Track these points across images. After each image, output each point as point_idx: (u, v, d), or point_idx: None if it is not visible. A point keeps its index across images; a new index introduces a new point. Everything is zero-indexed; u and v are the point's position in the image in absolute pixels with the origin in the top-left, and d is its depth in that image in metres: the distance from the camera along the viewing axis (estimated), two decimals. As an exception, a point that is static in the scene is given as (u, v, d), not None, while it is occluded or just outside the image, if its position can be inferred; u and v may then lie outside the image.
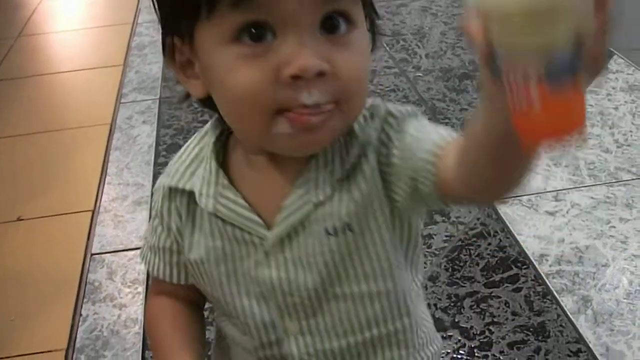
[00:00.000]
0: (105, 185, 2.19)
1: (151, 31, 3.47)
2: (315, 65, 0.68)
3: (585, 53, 0.50)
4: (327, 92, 0.70)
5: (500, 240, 1.85)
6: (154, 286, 0.97)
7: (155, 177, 2.20)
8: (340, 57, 0.71)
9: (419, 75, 2.82)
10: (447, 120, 2.45)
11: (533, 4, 0.48)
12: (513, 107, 0.53)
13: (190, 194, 0.84)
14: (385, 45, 3.12)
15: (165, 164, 2.18)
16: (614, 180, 2.07)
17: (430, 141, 0.74)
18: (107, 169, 2.28)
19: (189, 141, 0.88)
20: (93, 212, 2.05)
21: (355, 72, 0.73)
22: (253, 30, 0.69)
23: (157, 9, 0.80)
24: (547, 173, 2.12)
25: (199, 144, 0.86)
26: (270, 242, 0.81)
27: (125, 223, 2.00)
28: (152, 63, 3.10)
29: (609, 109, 2.49)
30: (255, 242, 0.82)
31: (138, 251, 1.78)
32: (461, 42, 3.10)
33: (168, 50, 0.79)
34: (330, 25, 0.71)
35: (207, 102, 0.79)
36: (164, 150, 2.37)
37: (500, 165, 0.64)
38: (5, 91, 2.99)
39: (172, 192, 0.86)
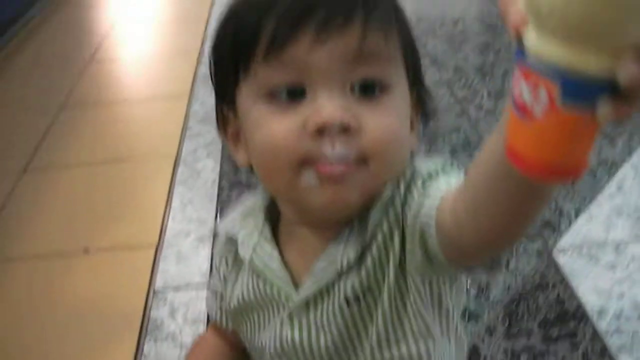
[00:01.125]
0: (169, 220, 2.24)
1: (217, 61, 3.55)
2: (338, 117, 0.71)
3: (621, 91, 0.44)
4: (352, 148, 0.73)
5: (559, 293, 1.85)
6: (210, 323, 1.03)
7: (217, 214, 2.25)
8: (369, 116, 0.74)
9: (481, 116, 2.83)
10: (508, 164, 2.45)
11: (595, 14, 0.41)
12: (514, 115, 0.48)
13: (236, 242, 0.88)
14: (447, 81, 3.14)
15: (228, 200, 2.25)
16: (677, 233, 2.05)
17: (438, 192, 0.72)
18: (171, 202, 2.34)
19: (252, 196, 0.92)
20: (157, 246, 2.11)
21: (384, 133, 0.75)
22: (289, 92, 0.73)
23: (213, 85, 0.85)
24: (608, 223, 2.10)
25: (256, 197, 0.90)
26: (296, 303, 0.84)
27: (188, 260, 2.05)
28: (217, 94, 3.16)
29: (670, 154, 2.46)
30: (282, 302, 0.85)
31: (201, 289, 1.84)
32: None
33: (220, 122, 0.84)
34: (362, 88, 0.74)
35: (253, 169, 0.84)
36: (227, 186, 2.42)
37: (497, 200, 0.60)
38: (74, 117, 3.10)
39: (227, 239, 0.91)
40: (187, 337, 1.75)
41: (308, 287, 0.82)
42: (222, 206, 2.30)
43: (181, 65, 3.55)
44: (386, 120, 0.75)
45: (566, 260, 1.96)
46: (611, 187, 2.29)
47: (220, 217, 2.24)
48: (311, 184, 0.74)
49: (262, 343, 0.89)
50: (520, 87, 0.47)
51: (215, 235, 2.13)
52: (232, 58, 0.77)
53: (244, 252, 0.86)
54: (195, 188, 2.42)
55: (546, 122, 0.46)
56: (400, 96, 0.78)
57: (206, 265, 2.01)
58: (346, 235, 0.80)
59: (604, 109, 0.45)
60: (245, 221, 0.89)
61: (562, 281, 1.89)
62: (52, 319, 1.88)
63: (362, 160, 0.74)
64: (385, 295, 0.80)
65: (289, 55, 0.72)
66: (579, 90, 0.45)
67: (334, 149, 0.72)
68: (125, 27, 4.31)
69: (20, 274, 2.09)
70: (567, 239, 2.04)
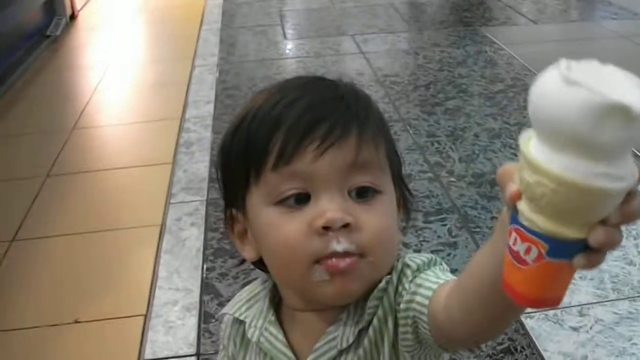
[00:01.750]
0: (157, 290, 2.34)
1: (198, 127, 3.67)
2: (340, 217, 0.83)
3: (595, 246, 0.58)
4: (353, 242, 0.85)
5: (527, 357, 1.96)
6: None
7: (202, 283, 2.35)
8: (364, 215, 0.86)
9: (452, 181, 2.96)
10: (478, 229, 2.58)
11: (580, 203, 0.56)
12: (512, 254, 0.61)
13: (242, 323, 0.99)
14: (420, 147, 3.28)
15: (213, 269, 2.35)
16: (636, 295, 2.17)
17: (429, 286, 0.85)
18: (157, 272, 2.43)
19: (255, 282, 1.04)
20: (145, 316, 2.20)
21: (377, 229, 0.87)
22: (295, 197, 0.84)
23: (221, 188, 0.97)
24: (572, 287, 2.22)
25: (261, 285, 1.02)
26: None
27: (176, 329, 2.14)
28: (199, 162, 3.28)
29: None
30: None
31: (188, 359, 1.92)
32: (492, 146, 3.25)
33: (228, 222, 0.95)
34: (357, 192, 0.87)
35: (259, 264, 0.96)
36: (211, 255, 2.52)
37: (486, 308, 0.73)
38: (58, 187, 3.18)
39: (233, 321, 1.02)
40: (177, 407, 1.85)
41: None
42: (207, 275, 2.40)
43: (163, 132, 3.67)
44: (380, 219, 0.88)
45: (534, 324, 2.08)
46: (575, 251, 2.42)
47: (204, 286, 2.34)
48: (323, 278, 0.85)
49: None
50: (515, 241, 0.61)
51: (202, 305, 2.23)
52: (243, 167, 0.87)
53: (252, 334, 0.98)
54: (181, 257, 2.52)
55: (535, 269, 0.60)
56: (389, 198, 0.91)
57: (193, 335, 2.11)
58: (344, 319, 0.92)
59: (580, 260, 0.60)
60: (251, 305, 1.01)
61: (530, 345, 2.00)
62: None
63: (362, 254, 0.86)
64: None
65: (295, 167, 0.84)
66: (561, 249, 0.59)
67: (339, 243, 0.84)
68: (107, 92, 4.41)
69: (12, 346, 2.16)
70: (534, 303, 2.17)
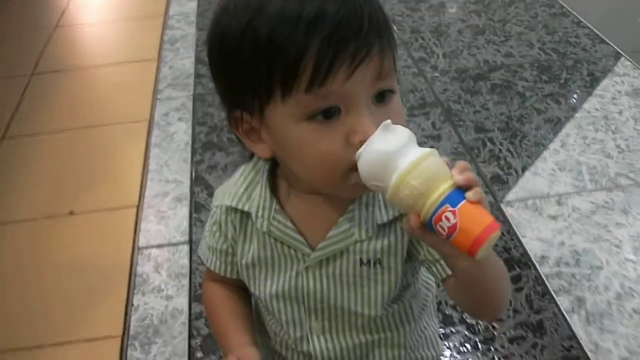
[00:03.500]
0: (148, 182, 2.40)
1: (182, 24, 3.66)
2: (373, 131, 0.88)
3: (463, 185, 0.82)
4: None
5: (506, 242, 2.05)
6: (208, 275, 1.21)
7: (192, 175, 2.41)
8: (391, 121, 0.92)
9: (436, 76, 3.00)
10: (460, 122, 2.64)
11: (426, 172, 0.82)
12: (449, 237, 0.82)
13: (243, 213, 1.06)
14: (404, 43, 3.30)
15: (201, 161, 2.41)
16: (613, 186, 2.25)
17: None
18: (148, 165, 2.48)
19: (242, 168, 1.10)
20: (138, 207, 2.26)
21: None
22: (325, 113, 0.89)
23: (217, 83, 1.00)
24: (552, 178, 2.31)
25: (252, 172, 1.08)
26: (312, 260, 1.04)
27: (168, 219, 2.21)
28: (185, 58, 3.29)
29: (613, 113, 2.66)
30: (299, 257, 1.05)
31: (180, 246, 2.01)
32: (476, 42, 3.27)
33: (232, 121, 1.00)
34: (379, 97, 0.92)
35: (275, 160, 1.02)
36: (200, 148, 2.57)
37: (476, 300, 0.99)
38: (44, 84, 3.19)
39: (230, 209, 1.08)
40: (172, 289, 1.93)
41: (324, 249, 1.03)
42: (196, 167, 2.46)
43: (147, 29, 3.65)
44: (401, 120, 0.94)
45: (514, 212, 2.16)
46: (555, 144, 2.49)
47: (194, 178, 2.40)
48: (358, 181, 0.90)
49: (272, 289, 1.08)
50: (442, 229, 0.82)
51: (192, 196, 2.30)
52: (265, 81, 0.89)
53: (261, 225, 1.05)
54: (170, 151, 2.57)
55: (460, 221, 0.81)
56: (398, 92, 0.96)
57: (185, 224, 2.18)
58: (356, 212, 1.02)
59: (468, 194, 0.82)
60: (249, 195, 1.07)
61: (509, 231, 2.09)
62: (40, 278, 2.04)
63: None
64: (397, 266, 1.04)
65: (328, 89, 0.87)
66: (453, 198, 0.81)
67: None
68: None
69: (8, 237, 2.23)
70: (514, 193, 2.25)
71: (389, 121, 0.86)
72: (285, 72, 0.87)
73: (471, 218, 0.81)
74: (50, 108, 2.96)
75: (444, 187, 0.82)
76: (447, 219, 0.81)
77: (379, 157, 0.85)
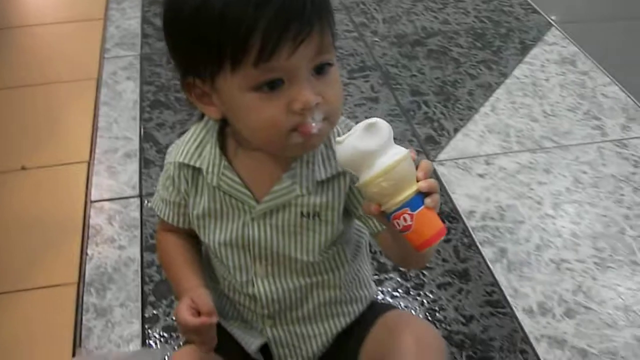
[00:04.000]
0: (98, 139, 2.48)
1: (128, -16, 3.71)
2: (313, 99, 1.03)
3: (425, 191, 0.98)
4: (322, 113, 1.05)
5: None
6: (162, 226, 1.36)
7: (141, 132, 2.51)
8: (328, 90, 1.06)
9: (376, 41, 3.13)
10: (398, 86, 2.78)
11: (396, 177, 0.96)
12: (402, 232, 0.98)
13: (195, 169, 1.20)
14: (346, 8, 3.41)
15: (150, 119, 2.51)
16: (537, 148, 2.43)
17: None
18: (97, 122, 2.57)
19: (194, 127, 1.24)
20: (89, 163, 2.35)
21: (338, 98, 1.09)
22: (270, 84, 1.01)
23: (172, 51, 1.11)
24: (481, 139, 2.47)
25: (202, 131, 1.22)
26: (258, 212, 1.17)
27: (118, 174, 2.31)
28: (131, 18, 3.35)
29: (541, 80, 2.82)
30: (245, 209, 1.20)
31: (132, 199, 2.11)
32: (415, 8, 3.41)
33: (185, 86, 1.11)
34: (318, 69, 1.04)
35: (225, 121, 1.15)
36: (148, 107, 2.66)
37: (404, 256, 1.19)
38: (-7, 41, 3.22)
39: (182, 165, 1.21)
40: (125, 239, 2.03)
41: (268, 202, 1.18)
42: (144, 125, 2.55)
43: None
44: (338, 89, 1.09)
45: (444, 170, 2.32)
46: (486, 107, 2.65)
47: (143, 135, 2.49)
48: (297, 141, 1.06)
49: (221, 238, 1.21)
50: (397, 224, 0.97)
51: (142, 152, 2.39)
52: (216, 54, 1.01)
53: (211, 180, 1.18)
54: (119, 109, 2.65)
55: (415, 224, 0.97)
56: (336, 64, 1.09)
57: (135, 179, 2.28)
58: (298, 169, 1.16)
59: (427, 200, 0.98)
60: (200, 152, 1.20)
61: (440, 189, 2.24)
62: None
63: (326, 119, 1.07)
64: (334, 219, 1.20)
65: (273, 64, 0.99)
66: (413, 203, 0.96)
67: (313, 118, 1.04)
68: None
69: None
70: (446, 153, 2.41)
71: (374, 120, 0.99)
72: (235, 48, 0.99)
73: (425, 222, 0.97)
74: (-3, 65, 3.00)
75: (408, 193, 0.96)
76: (405, 219, 0.97)
77: (357, 154, 0.98)
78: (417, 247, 0.98)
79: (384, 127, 0.98)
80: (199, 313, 1.17)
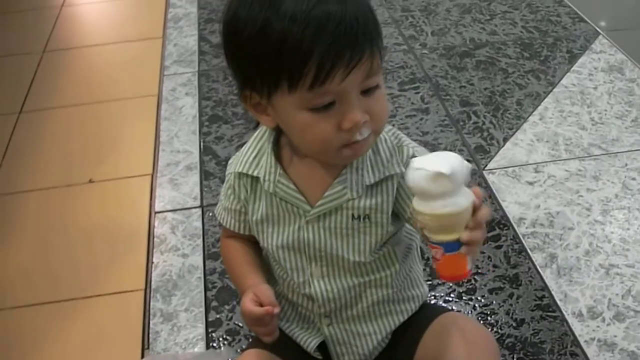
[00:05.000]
0: (160, 152, 2.60)
1: (184, 3, 3.83)
2: (361, 119, 1.13)
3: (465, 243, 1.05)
4: (369, 129, 1.15)
5: (488, 206, 2.26)
6: (225, 233, 1.46)
7: (201, 145, 2.62)
8: (375, 108, 1.15)
9: (425, 53, 3.20)
10: (448, 97, 2.84)
11: (443, 222, 1.04)
12: (433, 257, 1.08)
13: (253, 177, 1.30)
14: (396, 21, 3.49)
15: (209, 133, 2.63)
16: (586, 155, 2.47)
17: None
18: (159, 137, 2.68)
19: (251, 140, 1.34)
20: (152, 175, 2.47)
21: (383, 114, 1.19)
22: (323, 106, 1.11)
23: (230, 66, 1.20)
24: (530, 148, 2.52)
25: (260, 141, 1.32)
26: (312, 216, 1.28)
27: (180, 186, 2.42)
28: (188, 36, 3.47)
29: (589, 88, 2.86)
30: (300, 214, 1.29)
31: (193, 210, 2.22)
32: (463, 20, 3.47)
33: (242, 97, 1.20)
34: (366, 91, 1.13)
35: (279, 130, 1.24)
36: (207, 121, 2.77)
37: None
38: (56, 61, 3.35)
39: (241, 174, 1.31)
40: (188, 248, 2.14)
41: (321, 206, 1.27)
42: (204, 138, 2.66)
43: (150, 8, 3.81)
44: (383, 106, 1.18)
45: (494, 178, 2.38)
46: (534, 116, 2.70)
47: (202, 148, 2.60)
48: (348, 155, 1.17)
49: (278, 241, 1.31)
50: (431, 250, 1.08)
51: (202, 165, 2.50)
52: (275, 74, 1.09)
53: (268, 187, 1.28)
54: (179, 123, 2.77)
55: (443, 261, 1.07)
56: (383, 85, 1.18)
57: (196, 190, 2.39)
58: (348, 176, 1.25)
59: (463, 249, 1.05)
60: (258, 162, 1.30)
61: (491, 196, 2.31)
62: (65, 243, 2.24)
63: (372, 133, 1.17)
64: (383, 221, 1.28)
65: (326, 88, 1.08)
66: (449, 247, 1.05)
67: (361, 134, 1.14)
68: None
69: (32, 204, 2.43)
70: (496, 162, 2.46)
71: (449, 171, 1.01)
72: (292, 72, 1.08)
73: (452, 265, 1.06)
74: (63, 84, 3.14)
75: (447, 238, 1.04)
76: (436, 253, 1.07)
77: (419, 189, 1.05)
78: (439, 276, 1.13)
79: (454, 177, 1.02)
80: (261, 306, 1.26)
